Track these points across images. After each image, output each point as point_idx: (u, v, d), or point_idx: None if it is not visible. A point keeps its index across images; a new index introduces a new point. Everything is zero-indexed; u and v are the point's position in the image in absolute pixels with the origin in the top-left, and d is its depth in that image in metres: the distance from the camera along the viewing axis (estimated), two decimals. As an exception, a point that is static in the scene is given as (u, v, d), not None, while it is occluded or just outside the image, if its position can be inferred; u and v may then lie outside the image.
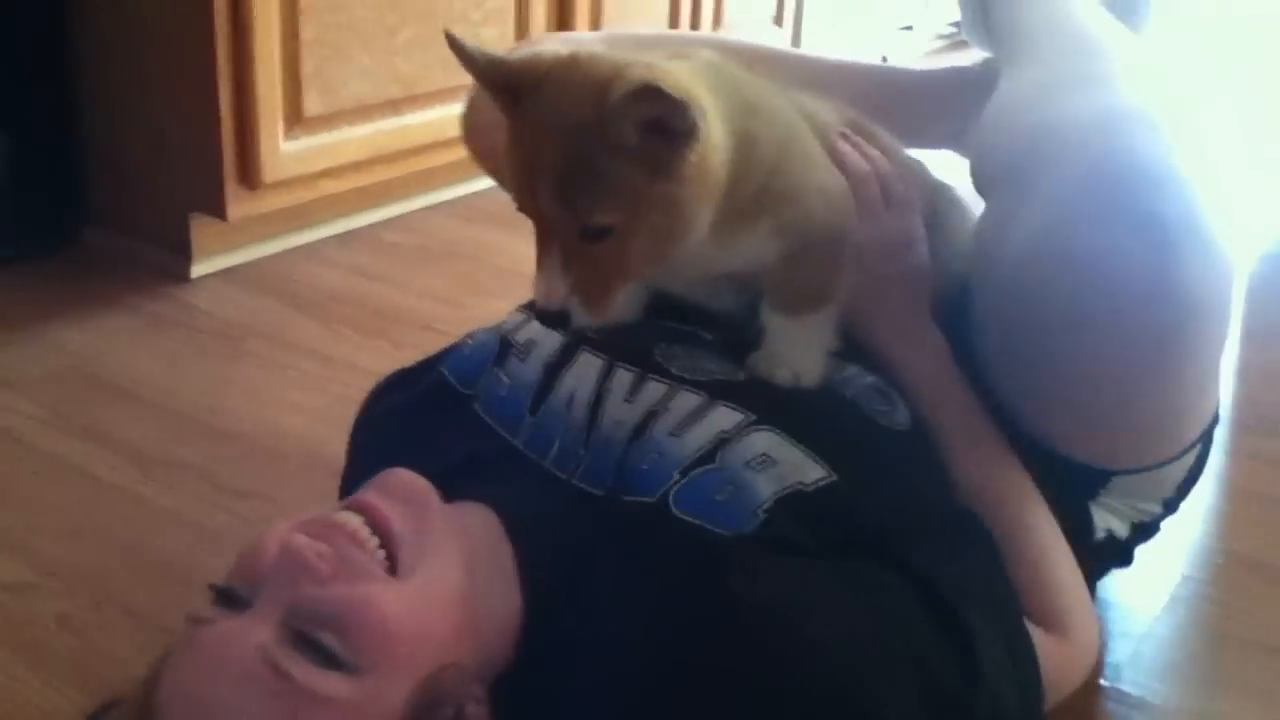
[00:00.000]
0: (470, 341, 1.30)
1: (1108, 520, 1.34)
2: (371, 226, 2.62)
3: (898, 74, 1.75)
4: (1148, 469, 1.30)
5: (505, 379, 1.23)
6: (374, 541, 1.00)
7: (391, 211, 2.67)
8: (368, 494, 1.04)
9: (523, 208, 1.06)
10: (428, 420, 1.25)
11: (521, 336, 1.25)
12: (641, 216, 1.04)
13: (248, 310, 2.20)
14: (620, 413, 1.15)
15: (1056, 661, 1.12)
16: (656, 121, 0.99)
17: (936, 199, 1.39)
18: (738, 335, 1.26)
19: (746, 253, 1.17)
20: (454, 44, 1.08)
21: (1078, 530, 1.30)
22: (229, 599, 0.96)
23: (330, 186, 2.41)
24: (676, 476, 1.08)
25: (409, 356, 1.39)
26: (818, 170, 1.20)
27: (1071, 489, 1.30)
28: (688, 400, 1.14)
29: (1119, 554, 1.39)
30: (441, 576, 1.01)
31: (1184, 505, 1.40)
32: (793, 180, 1.16)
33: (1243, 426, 1.91)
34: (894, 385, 1.24)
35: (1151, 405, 1.22)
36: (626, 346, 1.21)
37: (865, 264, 1.25)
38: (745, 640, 0.97)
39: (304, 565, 0.95)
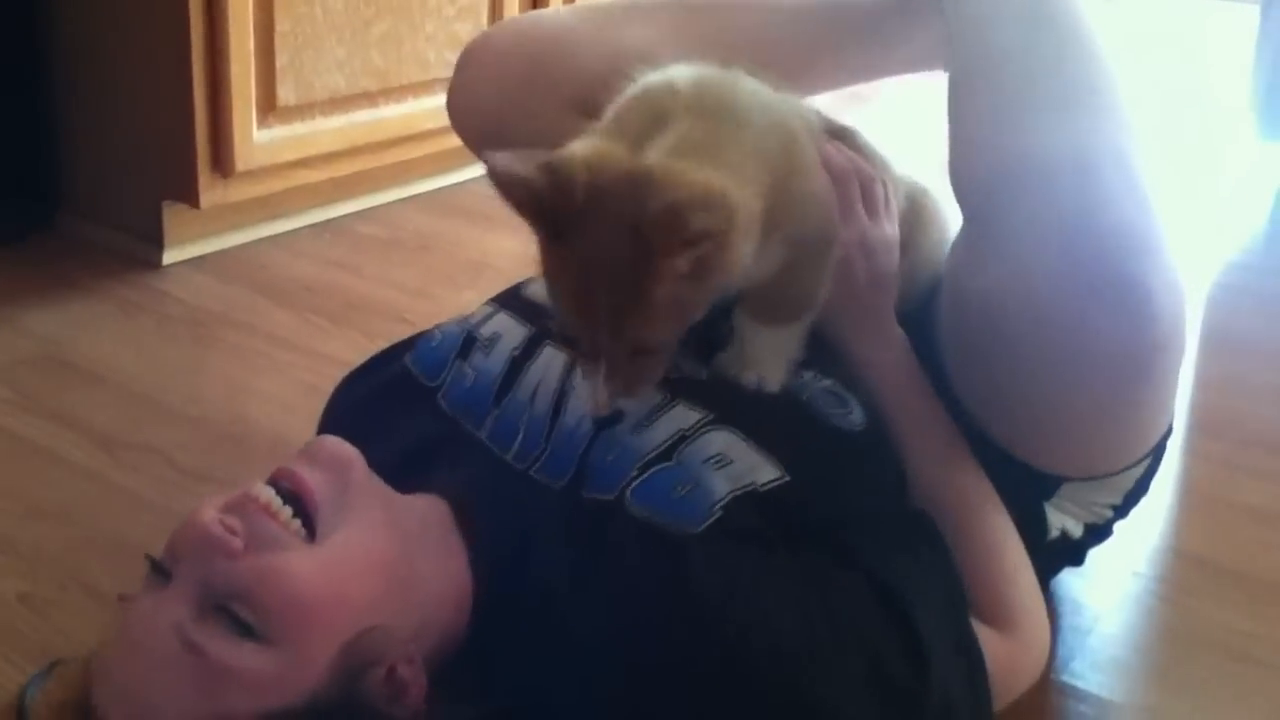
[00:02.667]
0: (436, 334, 1.31)
1: (1062, 520, 1.36)
2: (344, 218, 2.62)
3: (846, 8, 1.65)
4: (1101, 478, 1.33)
5: (470, 372, 1.24)
6: (287, 511, 1.02)
7: (364, 203, 2.68)
8: (291, 462, 1.06)
9: (571, 330, 1.06)
10: (390, 411, 1.26)
11: (487, 330, 1.27)
12: (688, 318, 1.05)
13: (219, 298, 2.21)
14: (583, 409, 1.16)
15: (1006, 659, 1.14)
16: (694, 238, 0.97)
17: (913, 206, 1.39)
18: (702, 333, 1.26)
19: (759, 266, 1.12)
20: (492, 172, 1.00)
21: (1032, 529, 1.32)
22: (155, 571, 0.99)
23: (303, 177, 2.42)
24: (634, 473, 1.10)
25: (379, 346, 1.40)
26: (814, 176, 1.18)
27: (1026, 490, 1.32)
28: (650, 397, 1.15)
29: (1072, 554, 1.42)
30: (361, 539, 1.02)
31: (1137, 504, 1.43)
32: (795, 186, 1.13)
33: (1198, 430, 1.93)
34: (850, 387, 1.25)
35: (1113, 429, 1.25)
36: None
37: (843, 263, 1.25)
38: (698, 635, 1.00)
39: (212, 541, 0.97)
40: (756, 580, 1.03)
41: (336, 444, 1.09)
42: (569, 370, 1.19)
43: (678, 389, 1.16)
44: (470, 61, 1.50)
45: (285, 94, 2.30)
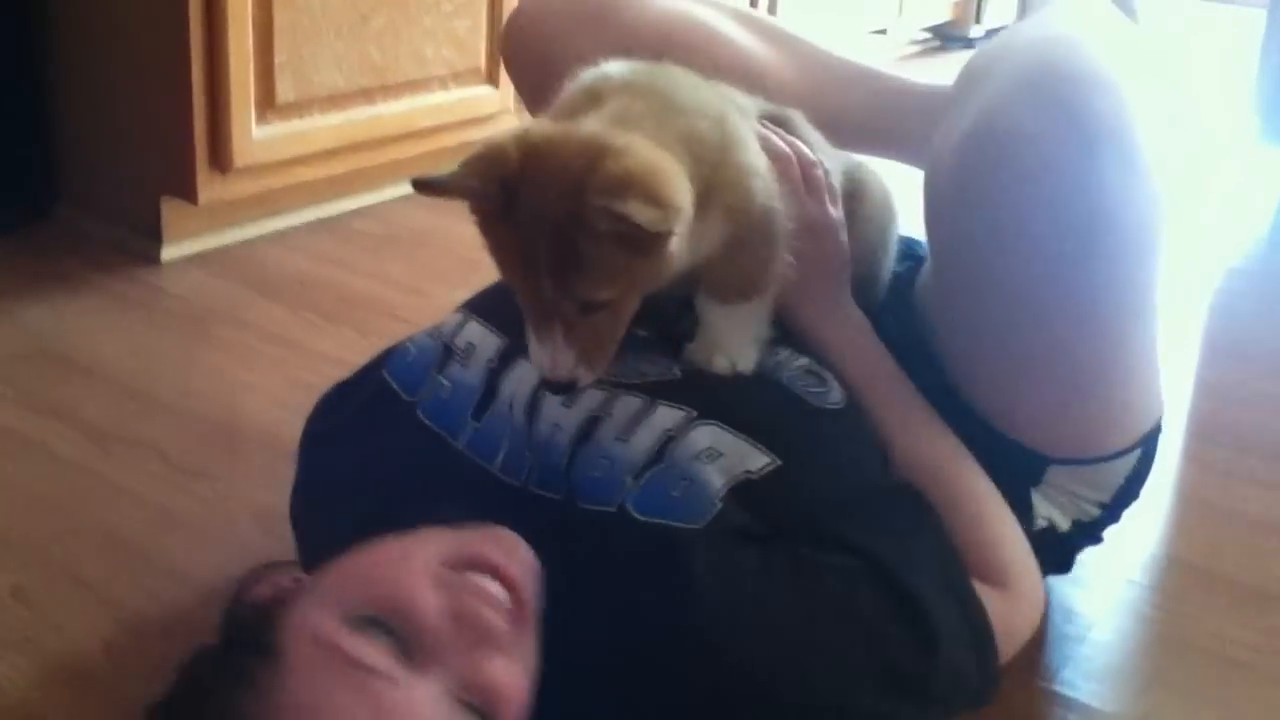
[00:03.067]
0: (410, 348, 1.30)
1: (1048, 510, 1.37)
2: (342, 215, 2.63)
3: (894, 82, 1.75)
4: (1085, 462, 1.33)
5: (446, 384, 1.24)
6: (507, 615, 1.00)
7: (362, 200, 2.68)
8: (507, 563, 1.02)
9: (521, 295, 1.08)
10: (374, 433, 1.25)
11: (461, 340, 1.26)
12: (631, 286, 1.07)
13: (215, 294, 2.21)
14: (557, 415, 1.16)
15: (1004, 615, 1.16)
16: (633, 227, 0.99)
17: (851, 181, 1.40)
18: (670, 329, 1.26)
19: (700, 244, 1.16)
20: (425, 186, 1.04)
21: (1018, 517, 1.32)
22: (398, 644, 0.94)
23: (301, 173, 2.42)
24: (630, 482, 1.11)
25: (374, 343, 1.40)
26: (753, 152, 1.20)
27: (1013, 476, 1.33)
28: (629, 403, 1.15)
29: (1058, 552, 1.42)
30: (535, 650, 1.02)
31: (1131, 510, 1.42)
32: (735, 162, 1.15)
33: (1196, 437, 1.93)
34: (826, 365, 1.27)
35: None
36: None
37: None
38: (713, 638, 1.01)
39: (485, 637, 0.96)
40: (760, 583, 1.04)
41: (526, 549, 1.06)
42: (542, 381, 1.17)
43: (656, 392, 1.17)
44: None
45: (284, 90, 2.30)
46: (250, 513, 1.55)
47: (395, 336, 1.35)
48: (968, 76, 1.34)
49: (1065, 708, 1.35)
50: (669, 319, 1.27)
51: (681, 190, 1.03)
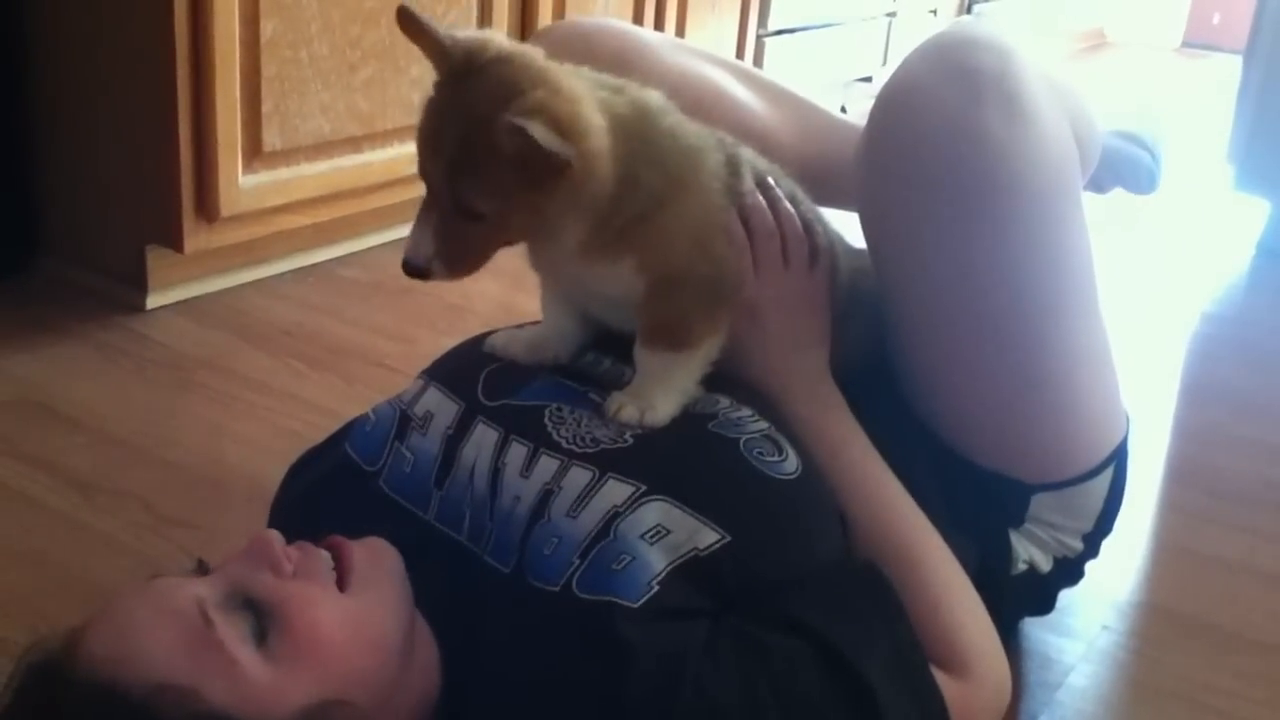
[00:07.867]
0: (370, 416, 1.30)
1: (1029, 551, 1.38)
2: (328, 262, 2.64)
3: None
4: (1060, 485, 1.35)
5: (408, 454, 1.24)
6: (330, 562, 1.06)
7: (348, 248, 2.69)
8: (338, 539, 1.09)
9: (420, 170, 1.13)
10: (336, 505, 1.26)
11: (419, 409, 1.27)
12: (511, 214, 1.11)
13: (200, 342, 2.22)
14: (518, 488, 1.16)
15: (962, 702, 1.14)
16: (532, 151, 1.04)
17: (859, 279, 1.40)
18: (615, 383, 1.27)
19: (611, 282, 1.20)
20: (408, 18, 1.11)
21: (998, 560, 1.33)
22: (197, 569, 1.04)
23: (287, 222, 2.43)
24: (576, 562, 1.09)
25: (359, 392, 1.40)
26: (701, 226, 1.21)
27: (993, 516, 1.34)
28: (579, 476, 1.14)
29: (1040, 594, 1.43)
30: (380, 615, 1.04)
31: (1108, 557, 1.44)
32: (665, 227, 1.18)
33: (1174, 481, 1.95)
34: (784, 430, 1.24)
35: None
36: (519, 416, 1.21)
37: (761, 319, 1.28)
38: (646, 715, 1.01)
39: (270, 556, 1.02)
40: (701, 668, 1.03)
41: (381, 540, 1.12)
42: (501, 449, 1.19)
43: (605, 464, 1.15)
44: (554, 34, 1.61)
45: (270, 139, 2.32)
46: (234, 562, 1.54)
47: (382, 384, 1.35)
48: None
49: (1043, 754, 1.35)
50: (613, 378, 1.28)
51: (594, 132, 1.10)
